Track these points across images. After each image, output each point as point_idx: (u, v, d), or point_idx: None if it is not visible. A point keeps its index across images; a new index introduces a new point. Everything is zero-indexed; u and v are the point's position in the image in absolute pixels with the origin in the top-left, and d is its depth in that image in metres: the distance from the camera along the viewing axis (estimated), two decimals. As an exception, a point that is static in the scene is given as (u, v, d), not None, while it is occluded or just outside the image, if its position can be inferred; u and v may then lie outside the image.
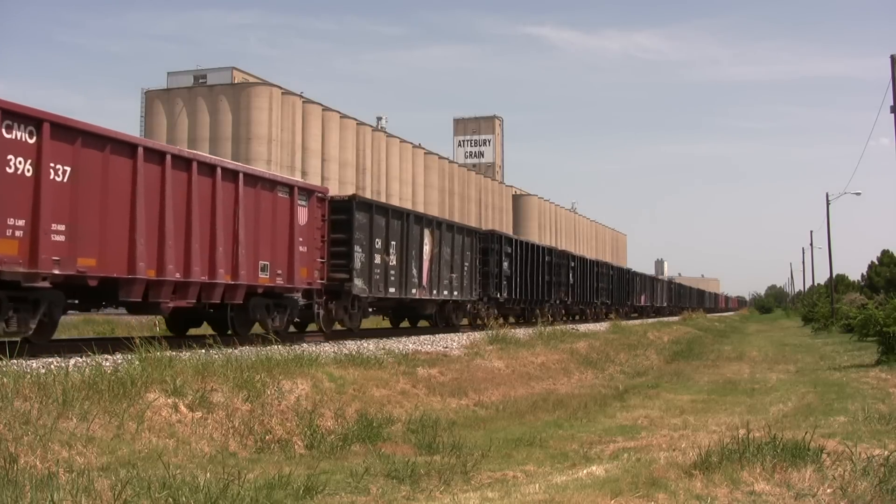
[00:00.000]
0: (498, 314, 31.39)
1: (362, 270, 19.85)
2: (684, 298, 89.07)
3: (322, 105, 76.25)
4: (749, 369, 23.40)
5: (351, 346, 16.70)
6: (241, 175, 15.72)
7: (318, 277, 18.36)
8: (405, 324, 27.40)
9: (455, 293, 25.99)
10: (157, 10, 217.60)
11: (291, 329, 19.17)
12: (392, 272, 21.54)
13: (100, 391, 8.82)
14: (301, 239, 17.55)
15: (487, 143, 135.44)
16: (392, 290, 21.62)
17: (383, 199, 65.70)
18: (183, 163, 14.29)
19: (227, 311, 16.36)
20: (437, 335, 22.79)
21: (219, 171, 15.08)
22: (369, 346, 17.04)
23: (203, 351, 11.73)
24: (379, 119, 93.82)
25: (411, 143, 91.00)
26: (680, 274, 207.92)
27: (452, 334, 23.22)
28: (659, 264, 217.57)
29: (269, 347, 13.53)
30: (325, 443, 9.80)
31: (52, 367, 9.75)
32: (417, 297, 23.16)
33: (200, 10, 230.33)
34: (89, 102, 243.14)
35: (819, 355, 27.77)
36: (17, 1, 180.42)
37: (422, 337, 21.42)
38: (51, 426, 7.65)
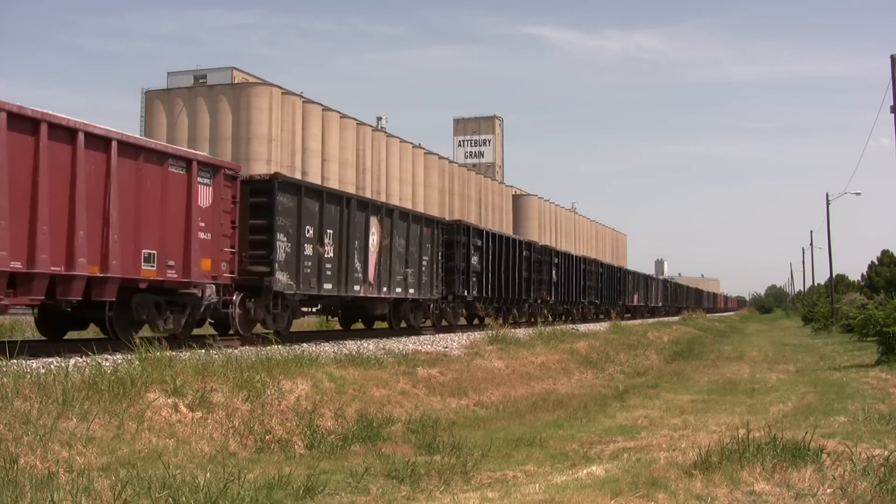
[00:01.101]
0: (467, 314, 29.78)
1: (287, 263, 16.95)
2: (681, 298, 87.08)
3: (322, 105, 76.25)
4: (749, 369, 23.41)
5: (351, 346, 16.70)
6: (114, 143, 12.91)
7: (228, 270, 15.61)
8: (359, 325, 24.74)
9: (411, 291, 22.80)
10: (157, 10, 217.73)
11: (228, 333, 16.82)
12: (328, 265, 18.45)
13: (100, 391, 8.82)
14: (203, 224, 14.86)
15: (487, 143, 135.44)
16: (328, 286, 18.52)
17: (383, 199, 65.69)
18: (28, 124, 11.55)
19: (106, 311, 13.79)
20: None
21: (81, 136, 12.30)
22: (369, 346, 17.05)
23: (203, 351, 11.74)
24: (379, 119, 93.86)
25: (411, 143, 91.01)
26: (680, 274, 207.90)
27: (453, 334, 23.20)
28: (659, 264, 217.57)
29: (269, 347, 13.54)
30: (325, 443, 9.81)
31: (52, 367, 9.75)
32: (362, 294, 20.12)
33: (200, 10, 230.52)
34: (89, 102, 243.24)
35: (819, 355, 27.78)
36: (17, 1, 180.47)
37: (422, 337, 21.41)
38: (51, 426, 7.65)
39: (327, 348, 15.68)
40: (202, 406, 9.53)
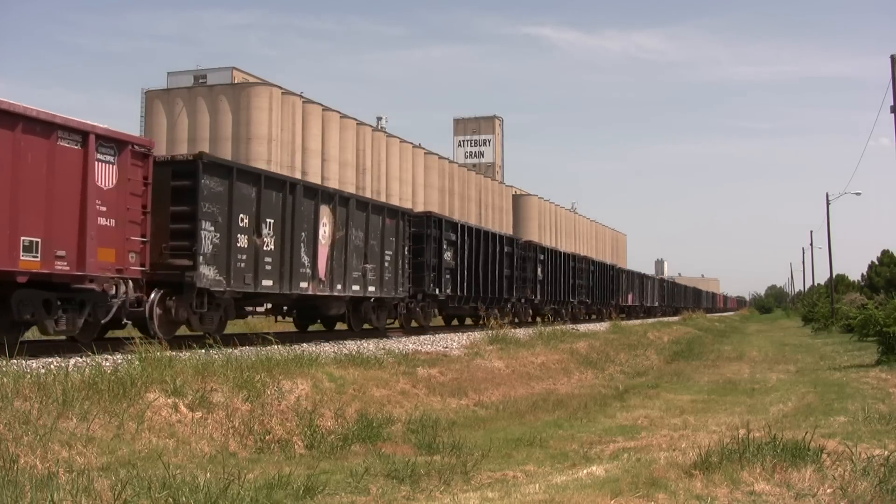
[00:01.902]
0: (445, 315, 28.11)
1: (215, 256, 14.90)
2: (679, 298, 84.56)
3: (322, 105, 76.23)
4: (749, 369, 23.41)
5: (351, 346, 16.70)
6: None
7: (137, 263, 13.47)
8: (318, 327, 22.60)
9: (371, 288, 20.42)
10: (157, 10, 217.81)
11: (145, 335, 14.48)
12: (268, 260, 16.30)
13: (100, 391, 8.83)
14: (104, 209, 12.81)
15: (487, 143, 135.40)
16: (267, 282, 16.29)
17: (383, 199, 65.62)
18: None
19: None
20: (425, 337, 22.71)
21: None
22: (369, 346, 17.05)
23: (203, 351, 11.74)
24: (379, 119, 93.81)
25: (411, 143, 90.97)
26: (680, 274, 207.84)
27: (453, 334, 23.18)
28: (659, 264, 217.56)
29: (268, 347, 13.54)
30: (325, 443, 9.81)
31: (52, 367, 9.76)
32: (310, 292, 17.78)
33: (200, 10, 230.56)
34: (89, 102, 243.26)
35: (819, 355, 27.78)
36: (17, 0, 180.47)
37: (422, 337, 21.41)
38: (51, 426, 7.65)
39: (327, 348, 15.68)
40: (202, 406, 9.53)
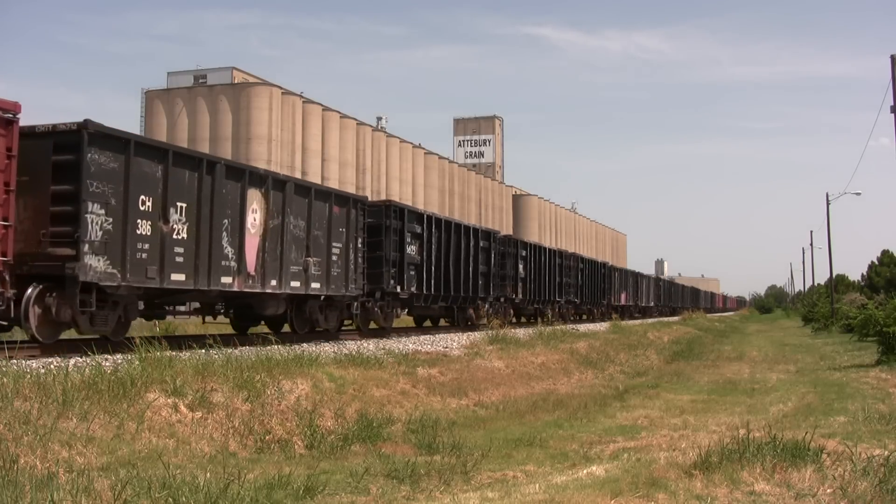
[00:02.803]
0: (408, 314, 25.61)
1: (107, 244, 12.60)
2: (676, 298, 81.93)
3: (322, 105, 76.24)
4: (749, 369, 23.41)
5: (351, 346, 16.71)
6: None
7: None
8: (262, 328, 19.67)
9: (316, 285, 17.97)
10: (157, 10, 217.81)
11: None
12: (178, 250, 13.95)
13: (100, 391, 8.83)
14: None
15: (487, 143, 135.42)
16: (178, 276, 13.89)
17: (383, 199, 65.26)
18: None
19: None
20: (435, 336, 22.68)
21: None
22: (369, 346, 17.06)
23: (203, 351, 11.74)
24: (379, 119, 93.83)
25: (411, 143, 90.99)
26: (680, 274, 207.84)
27: (453, 334, 23.19)
28: (659, 264, 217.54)
29: (268, 347, 13.55)
30: (325, 443, 9.81)
31: (52, 367, 9.76)
32: (235, 288, 15.37)
33: (201, 11, 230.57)
34: (90, 102, 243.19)
35: (819, 355, 27.78)
36: (18, 1, 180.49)
37: (422, 337, 21.41)
38: (51, 426, 7.66)
39: (327, 348, 15.69)
40: (202, 406, 9.53)
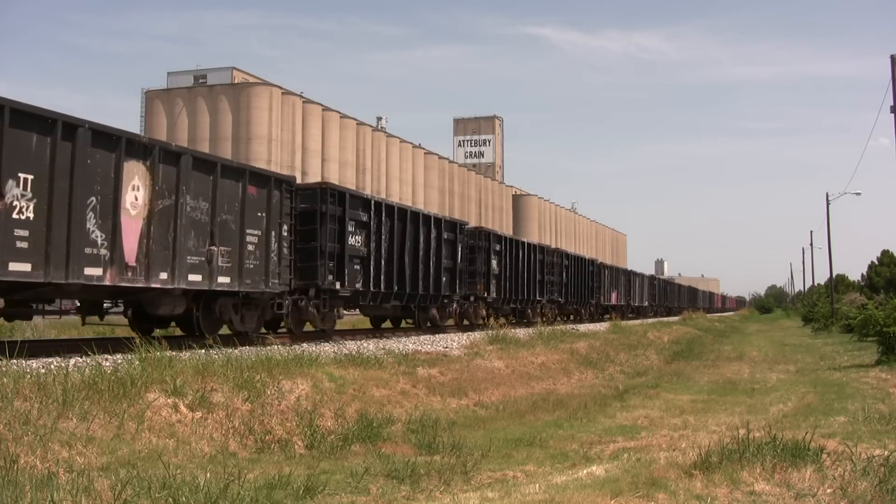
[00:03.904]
0: (346, 313, 21.86)
1: None
2: (672, 297, 78.87)
3: (322, 105, 76.27)
4: (749, 369, 23.40)
5: (351, 346, 16.71)
6: None
7: None
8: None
9: (225, 279, 15.21)
10: (157, 11, 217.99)
11: None
12: (20, 232, 11.17)
13: (100, 391, 8.83)
14: None
15: (487, 143, 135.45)
16: (19, 266, 11.13)
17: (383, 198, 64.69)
18: None
19: None
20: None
21: None
22: (369, 346, 17.05)
23: (203, 351, 11.75)
24: (379, 119, 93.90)
25: (411, 143, 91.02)
26: (680, 274, 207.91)
27: (453, 334, 23.17)
28: (659, 264, 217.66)
29: (269, 347, 13.55)
30: (325, 443, 9.81)
31: (52, 367, 9.76)
32: (107, 282, 12.64)
33: (201, 11, 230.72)
34: (90, 102, 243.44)
35: (819, 355, 27.77)
36: (18, 1, 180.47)
37: (422, 337, 21.40)
38: (51, 426, 7.65)
39: (327, 348, 15.69)
40: (202, 406, 9.53)
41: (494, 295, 29.89)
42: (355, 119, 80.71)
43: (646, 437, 10.94)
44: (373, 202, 20.96)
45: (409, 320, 25.06)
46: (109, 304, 14.88)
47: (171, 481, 6.56)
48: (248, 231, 15.92)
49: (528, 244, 35.00)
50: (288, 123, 71.32)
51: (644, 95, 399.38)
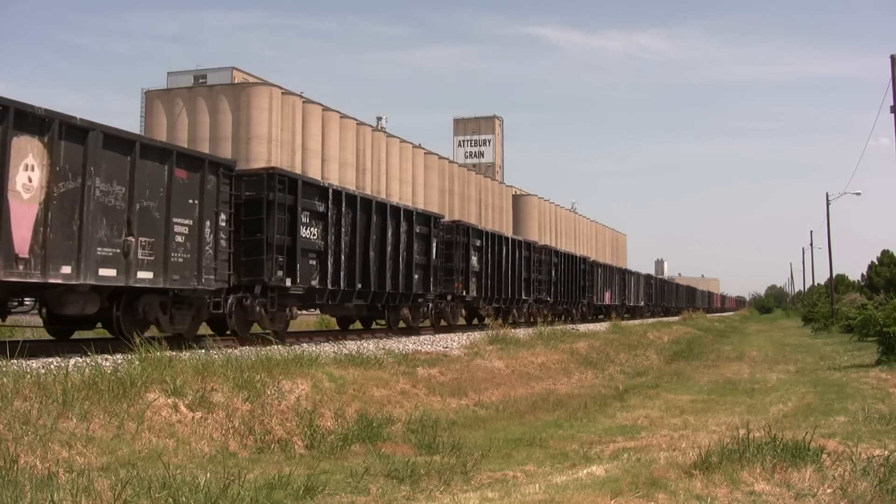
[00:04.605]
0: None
1: None
2: (670, 297, 77.10)
3: (322, 105, 76.23)
4: (749, 369, 23.40)
5: (351, 346, 16.70)
6: None
7: None
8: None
9: (146, 274, 13.48)
10: (157, 10, 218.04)
11: None
12: None
13: (100, 391, 8.83)
14: None
15: (487, 143, 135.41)
16: None
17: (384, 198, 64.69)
18: None
19: None
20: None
21: None
22: (369, 346, 17.05)
23: (203, 351, 11.75)
24: (379, 119, 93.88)
25: (411, 143, 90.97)
26: (680, 274, 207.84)
27: (452, 334, 23.16)
28: (659, 264, 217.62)
29: (268, 347, 13.55)
30: (325, 443, 9.81)
31: (52, 367, 9.76)
32: None
33: (201, 11, 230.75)
34: (90, 102, 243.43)
35: (819, 355, 27.77)
36: (18, 1, 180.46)
37: (422, 337, 21.40)
38: (51, 426, 7.65)
39: (327, 348, 15.69)
40: (202, 406, 9.53)
41: (475, 294, 28.03)
42: (355, 119, 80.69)
43: (646, 437, 10.94)
44: (331, 191, 19.01)
45: (381, 321, 23.36)
46: (16, 303, 13.10)
47: (171, 481, 6.56)
48: (175, 220, 14.22)
49: (513, 240, 33.00)
50: (288, 123, 71.29)
51: (644, 95, 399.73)
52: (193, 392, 9.70)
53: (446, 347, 18.40)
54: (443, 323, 26.06)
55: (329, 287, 18.59)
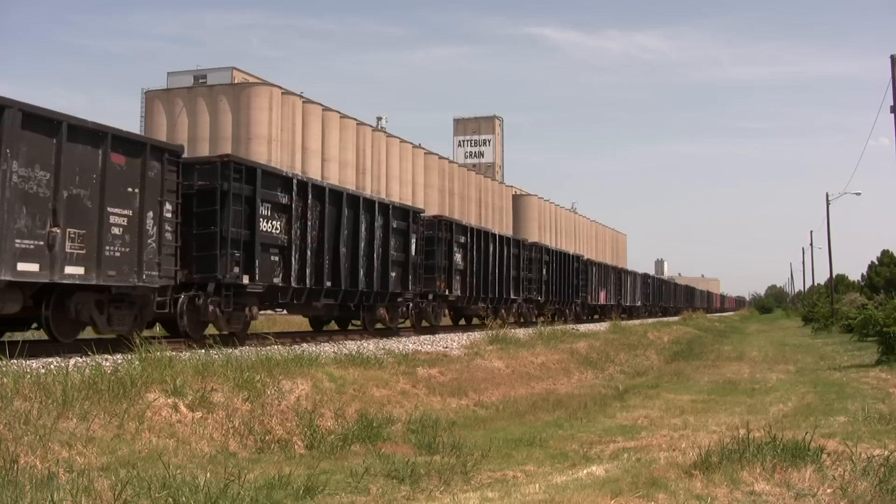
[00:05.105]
0: (259, 313, 17.35)
1: None
2: (668, 297, 76.18)
3: (322, 105, 76.24)
4: (749, 369, 23.39)
5: (351, 346, 16.70)
6: None
7: None
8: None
9: (75, 269, 12.28)
10: (157, 11, 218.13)
11: None
12: None
13: (100, 391, 8.83)
14: None
15: (487, 143, 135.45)
16: None
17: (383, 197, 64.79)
18: None
19: None
20: (435, 336, 22.62)
21: None
22: (369, 346, 17.05)
23: (203, 351, 11.75)
24: (379, 119, 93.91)
25: (411, 143, 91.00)
26: (680, 274, 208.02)
27: (452, 334, 23.15)
28: (659, 264, 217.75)
29: (268, 347, 13.55)
30: (325, 443, 9.81)
31: (52, 367, 9.76)
32: None
33: (201, 11, 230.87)
34: (90, 103, 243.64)
35: (819, 355, 27.76)
36: (19, 1, 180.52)
37: (422, 337, 21.39)
38: (51, 426, 7.65)
39: (327, 348, 15.69)
40: (202, 406, 9.53)
41: (458, 293, 26.61)
42: (355, 119, 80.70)
43: (646, 437, 10.94)
44: (295, 181, 17.70)
45: (355, 323, 22.01)
46: None
47: (171, 481, 6.56)
48: (111, 210, 12.93)
49: (501, 236, 31.68)
50: (288, 123, 71.30)
51: (644, 95, 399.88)
52: (193, 392, 9.70)
53: (446, 347, 18.41)
54: (424, 324, 24.83)
55: (294, 285, 17.41)
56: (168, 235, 14.09)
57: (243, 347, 13.95)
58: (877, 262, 76.13)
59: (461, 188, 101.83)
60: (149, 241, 13.60)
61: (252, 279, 16.01)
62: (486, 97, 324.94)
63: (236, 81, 73.92)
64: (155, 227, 13.77)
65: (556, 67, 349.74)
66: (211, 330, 15.76)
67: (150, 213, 13.66)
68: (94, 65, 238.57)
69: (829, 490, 6.70)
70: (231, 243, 15.38)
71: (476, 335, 21.74)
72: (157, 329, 16.41)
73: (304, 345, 16.01)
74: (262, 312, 18.33)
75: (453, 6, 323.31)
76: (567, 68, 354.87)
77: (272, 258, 16.85)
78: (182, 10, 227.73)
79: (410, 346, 17.90)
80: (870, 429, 10.69)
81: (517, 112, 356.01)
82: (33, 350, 11.89)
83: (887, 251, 75.43)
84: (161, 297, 14.16)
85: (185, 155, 15.12)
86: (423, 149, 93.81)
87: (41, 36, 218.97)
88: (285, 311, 20.96)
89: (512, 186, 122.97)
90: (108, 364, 10.28)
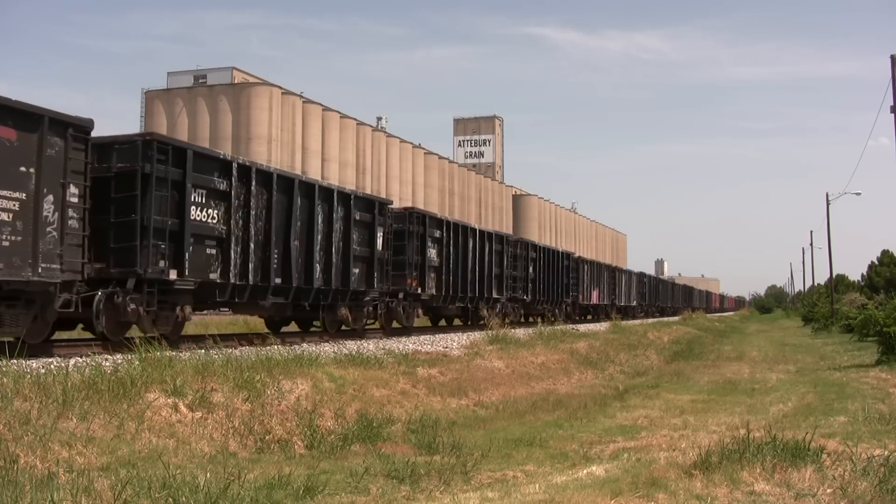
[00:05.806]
0: (191, 314, 15.20)
1: None
2: (665, 297, 74.68)
3: (322, 105, 76.25)
4: (749, 369, 23.38)
5: (351, 346, 16.70)
6: None
7: None
8: None
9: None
10: (157, 10, 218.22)
11: None
12: None
13: (100, 391, 8.83)
14: None
15: (487, 143, 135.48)
16: None
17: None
18: None
19: None
20: (437, 335, 22.63)
21: None
22: (369, 346, 17.05)
23: (203, 351, 11.75)
24: (379, 119, 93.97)
25: (411, 143, 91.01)
26: (680, 274, 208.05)
27: (452, 334, 23.15)
28: (659, 264, 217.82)
29: (268, 347, 13.55)
30: (325, 443, 9.81)
31: (52, 367, 9.76)
32: None
33: (201, 11, 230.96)
34: (90, 102, 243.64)
35: (819, 355, 27.76)
36: (19, 1, 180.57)
37: (422, 337, 21.39)
38: (51, 426, 7.66)
39: (327, 348, 15.69)
40: (202, 406, 9.53)
41: (433, 291, 24.59)
42: (355, 119, 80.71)
43: (646, 437, 10.93)
44: (235, 165, 15.65)
45: (316, 324, 20.28)
46: None
47: (171, 481, 6.56)
48: (46, 200, 11.50)
49: (481, 231, 29.25)
50: (288, 123, 71.31)
51: (644, 95, 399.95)
52: (193, 392, 9.70)
53: (446, 347, 18.42)
54: (396, 325, 22.96)
55: (235, 282, 15.48)
56: (73, 223, 12.02)
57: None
58: (877, 262, 76.08)
59: (461, 188, 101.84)
60: (48, 229, 11.60)
61: (181, 274, 14.09)
62: (486, 97, 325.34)
63: (236, 81, 73.93)
64: (56, 214, 11.74)
65: (556, 67, 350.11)
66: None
67: (50, 198, 11.63)
68: (93, 65, 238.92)
69: (829, 490, 6.70)
70: (155, 233, 13.48)
71: (476, 335, 21.74)
72: (79, 331, 14.72)
73: (305, 345, 16.01)
74: (202, 314, 16.06)
75: (453, 6, 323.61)
76: (567, 68, 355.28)
77: (208, 251, 14.96)
78: (182, 10, 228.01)
79: (410, 346, 17.90)
80: (870, 429, 10.68)
81: (517, 112, 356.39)
82: (33, 350, 11.89)
83: (887, 251, 75.39)
84: (66, 295, 12.02)
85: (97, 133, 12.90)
86: (423, 149, 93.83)
87: (41, 36, 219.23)
88: (230, 311, 18.89)
89: (512, 186, 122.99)
90: (108, 364, 10.29)
